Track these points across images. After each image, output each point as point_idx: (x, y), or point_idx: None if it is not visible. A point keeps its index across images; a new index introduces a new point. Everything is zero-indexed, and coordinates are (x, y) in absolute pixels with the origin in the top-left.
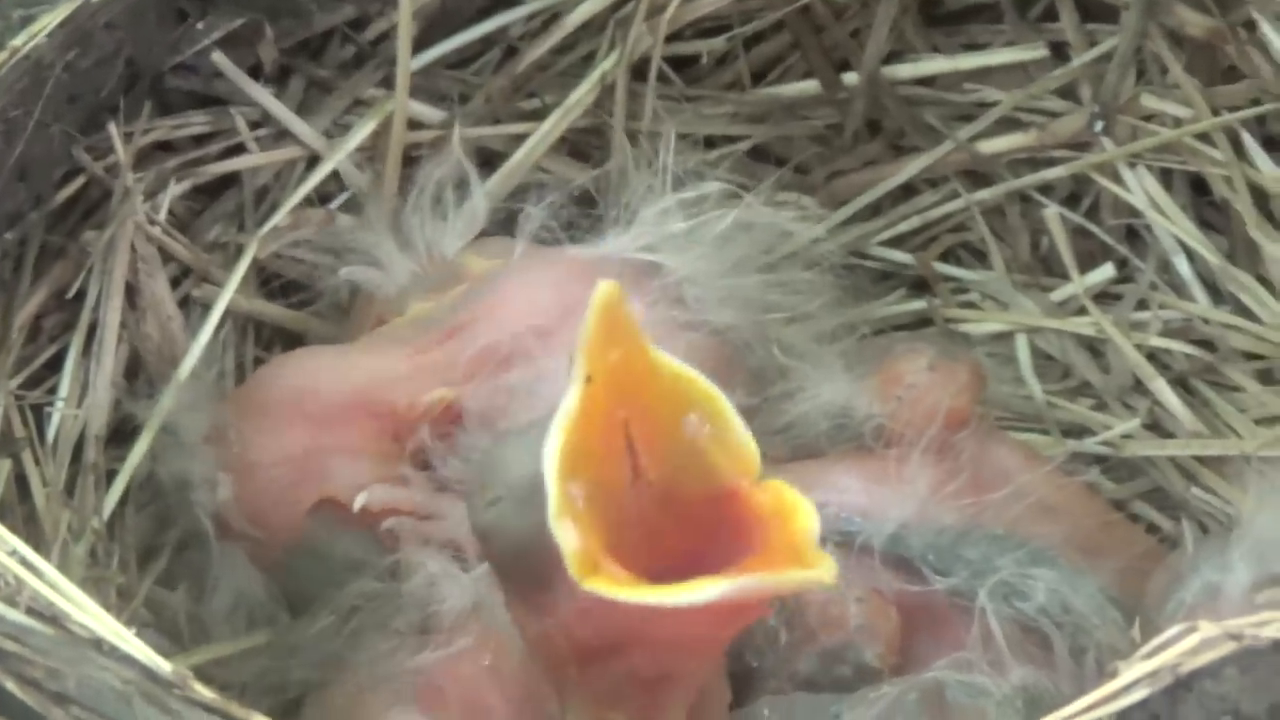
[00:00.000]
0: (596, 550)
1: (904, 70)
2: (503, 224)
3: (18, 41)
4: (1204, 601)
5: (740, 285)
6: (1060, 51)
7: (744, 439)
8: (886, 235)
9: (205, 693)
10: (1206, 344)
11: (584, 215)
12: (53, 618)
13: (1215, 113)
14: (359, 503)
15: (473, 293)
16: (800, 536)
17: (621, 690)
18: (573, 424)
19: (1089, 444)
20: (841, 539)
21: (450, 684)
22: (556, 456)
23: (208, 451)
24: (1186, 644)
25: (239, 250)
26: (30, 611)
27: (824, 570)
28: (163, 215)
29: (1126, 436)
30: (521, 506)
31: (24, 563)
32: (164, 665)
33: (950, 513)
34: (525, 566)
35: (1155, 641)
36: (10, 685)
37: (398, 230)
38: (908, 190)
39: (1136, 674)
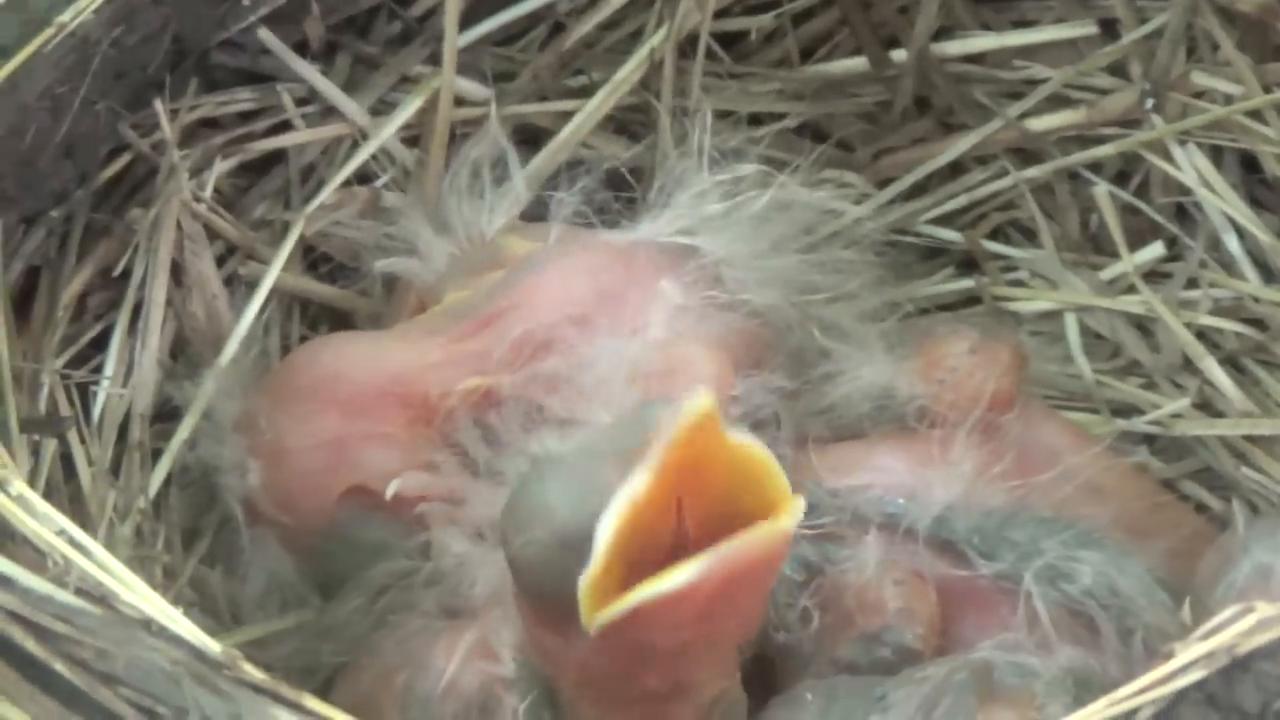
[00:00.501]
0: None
1: (953, 47)
2: (546, 202)
3: (65, 18)
4: (1255, 583)
5: (779, 266)
6: (1110, 28)
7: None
8: (934, 213)
9: (255, 673)
10: (1257, 323)
11: (618, 199)
12: (101, 598)
13: (1267, 90)
14: (391, 490)
15: (508, 280)
16: (771, 493)
17: (634, 705)
18: (635, 509)
19: (1138, 423)
20: (885, 521)
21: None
22: (611, 538)
23: (238, 437)
24: (1243, 624)
25: (285, 228)
26: (79, 592)
27: (787, 517)
28: (208, 193)
29: (1176, 416)
30: (561, 553)
31: (72, 542)
32: (213, 646)
33: (996, 494)
34: (553, 602)
35: (1211, 622)
36: (59, 666)
37: (436, 214)
38: (956, 168)
39: (1192, 655)
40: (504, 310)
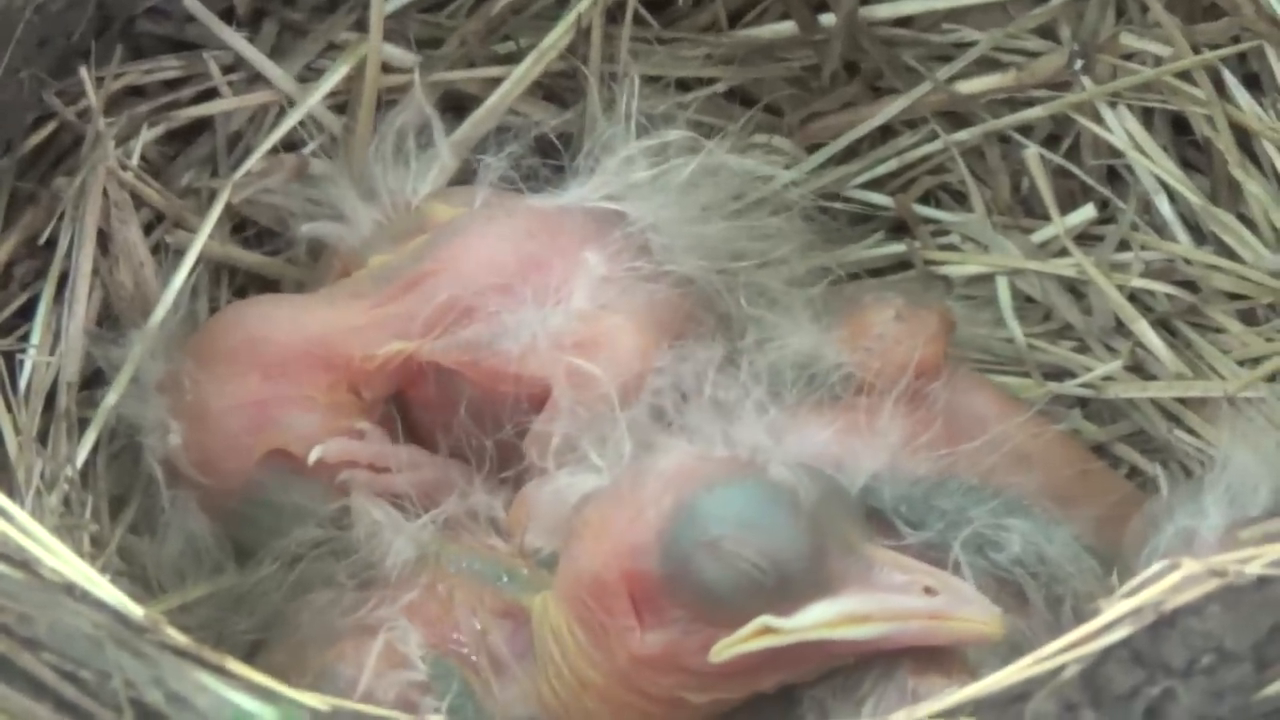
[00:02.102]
0: None
1: (881, 10)
2: (474, 168)
3: None
4: (1179, 547)
5: (706, 232)
6: None
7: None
8: (865, 178)
9: (178, 637)
10: (1189, 285)
11: (545, 165)
12: (23, 563)
13: (1196, 51)
14: (315, 455)
15: (431, 244)
16: None
17: (654, 704)
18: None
19: (1070, 386)
20: None
21: (417, 616)
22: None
23: (161, 397)
24: (1169, 581)
25: (212, 195)
26: (1, 558)
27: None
28: (135, 160)
29: (1108, 378)
30: (769, 588)
31: None
32: (136, 610)
33: (923, 463)
34: (704, 613)
35: (1137, 579)
36: None
37: (362, 180)
38: (886, 132)
39: (1119, 611)
40: (427, 275)
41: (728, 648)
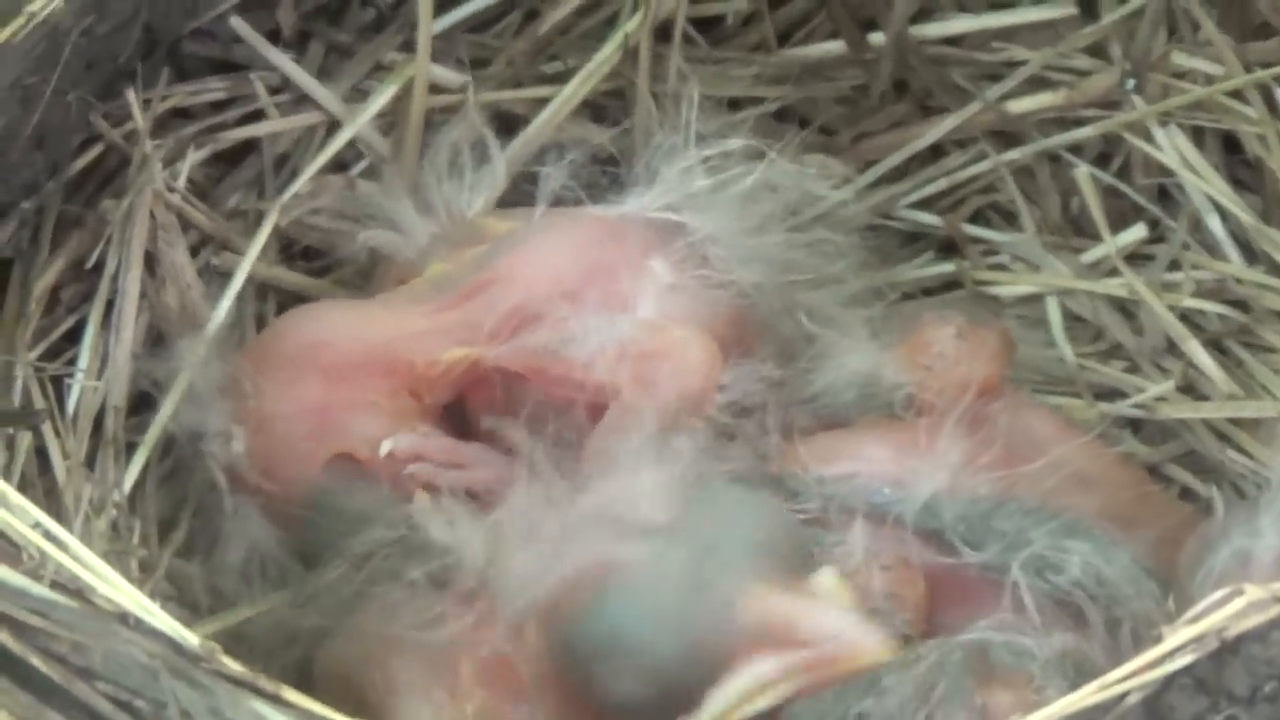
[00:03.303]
0: None
1: (931, 29)
2: (524, 190)
3: (35, 7)
4: (1234, 568)
5: (765, 244)
6: (1089, 8)
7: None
8: (914, 197)
9: (233, 666)
10: (1240, 304)
11: (605, 174)
12: (77, 591)
13: (1248, 69)
14: (385, 448)
15: (493, 252)
16: None
17: None
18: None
19: (1122, 407)
20: (871, 510)
21: (471, 649)
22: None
23: (222, 404)
24: (1232, 607)
25: (259, 218)
26: (54, 585)
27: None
28: (182, 183)
29: (1160, 399)
30: (658, 692)
31: (48, 536)
32: (191, 638)
33: (983, 484)
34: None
35: (1200, 605)
36: (35, 660)
37: (416, 194)
38: (936, 151)
39: (1182, 638)
40: (491, 282)
41: None
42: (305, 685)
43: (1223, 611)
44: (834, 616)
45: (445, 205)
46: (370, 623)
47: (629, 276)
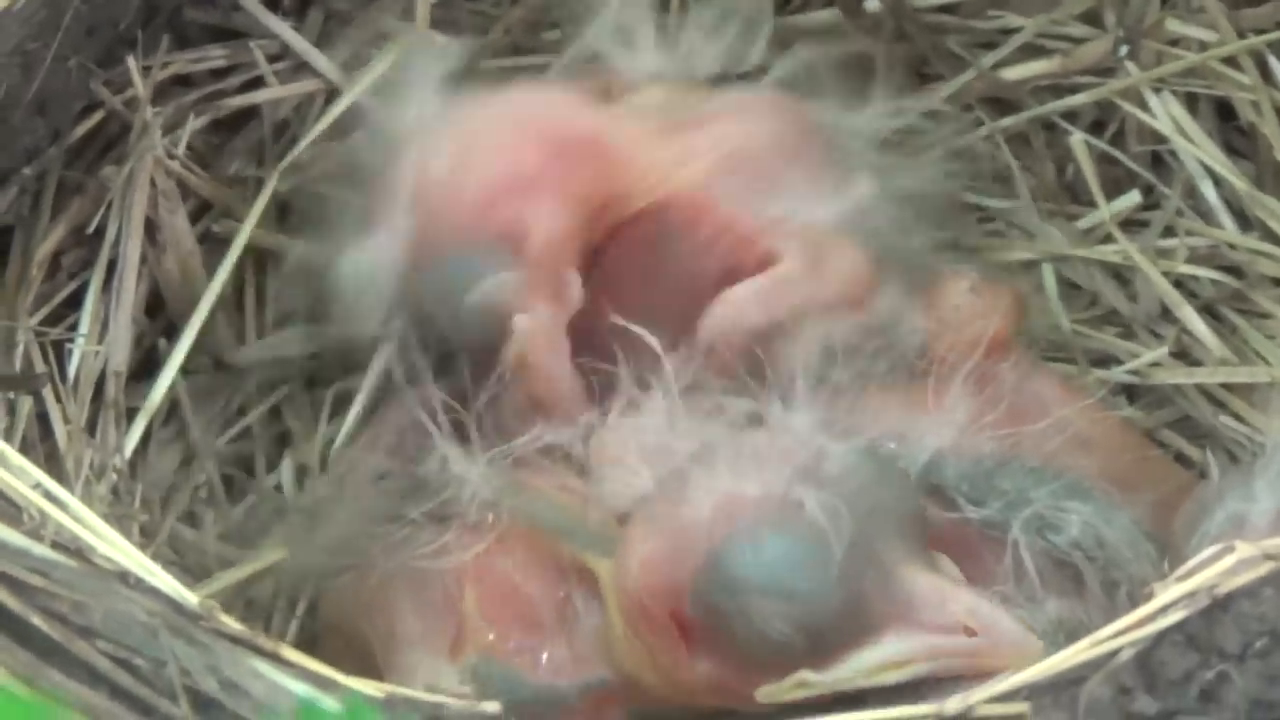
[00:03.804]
0: None
1: None
2: None
3: None
4: (1229, 531)
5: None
6: None
7: None
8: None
9: (232, 624)
10: (1234, 270)
11: None
12: (77, 551)
13: (1241, 36)
14: (519, 323)
15: (722, 99)
16: None
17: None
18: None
19: (1116, 373)
20: None
21: (481, 580)
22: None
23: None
24: (1223, 565)
25: (259, 184)
26: (55, 545)
27: None
28: (182, 149)
29: (1154, 364)
30: (797, 637)
31: (48, 496)
32: (190, 597)
33: (987, 443)
34: (747, 658)
35: (1192, 562)
36: (36, 619)
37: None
38: (931, 118)
39: (1173, 595)
40: (718, 119)
41: (770, 695)
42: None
43: (1214, 568)
44: (987, 609)
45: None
46: (372, 568)
47: (834, 179)
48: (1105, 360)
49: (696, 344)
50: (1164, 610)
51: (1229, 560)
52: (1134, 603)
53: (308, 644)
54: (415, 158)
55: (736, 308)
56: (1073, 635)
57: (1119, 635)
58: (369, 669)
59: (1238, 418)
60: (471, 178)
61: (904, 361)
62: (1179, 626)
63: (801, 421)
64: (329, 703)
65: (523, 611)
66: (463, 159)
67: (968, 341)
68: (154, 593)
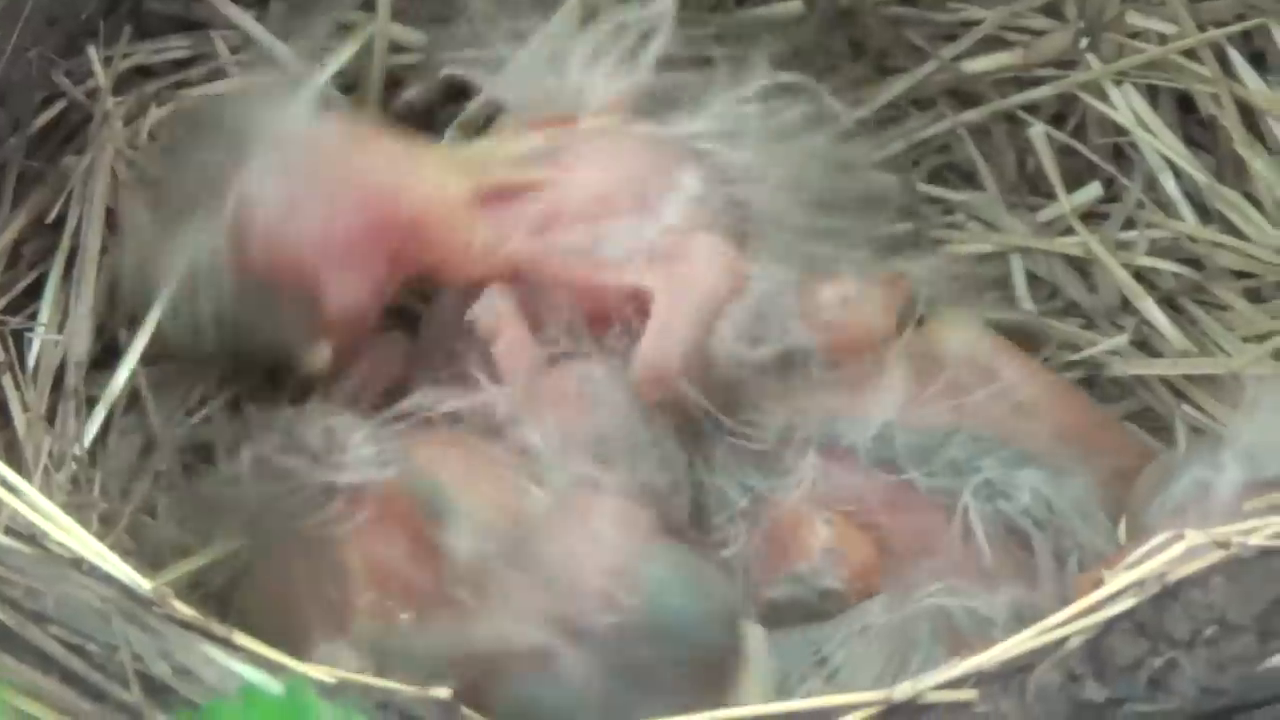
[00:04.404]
0: None
1: None
2: None
3: None
4: (1194, 499)
5: (781, 171)
6: None
7: None
8: (873, 158)
9: (185, 610)
10: (1194, 262)
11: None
12: (31, 537)
13: (1201, 29)
14: (482, 311)
15: (534, 156)
16: None
17: None
18: None
19: (1075, 357)
20: (825, 442)
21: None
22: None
23: None
24: (1173, 552)
25: None
26: (9, 531)
27: None
28: (143, 140)
29: (1113, 353)
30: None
31: (3, 483)
32: (143, 583)
33: (933, 414)
34: None
35: (1141, 550)
36: None
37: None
38: (892, 110)
39: (1123, 582)
40: (536, 185)
41: None
42: None
43: (1163, 556)
44: None
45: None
46: (273, 567)
47: (658, 188)
48: (1066, 351)
49: (637, 384)
50: (1113, 598)
51: (1179, 548)
52: (1084, 570)
53: None
54: (250, 178)
55: (656, 356)
56: (1019, 619)
57: (1068, 622)
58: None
59: (1198, 408)
60: (289, 228)
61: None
62: (1128, 614)
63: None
64: (273, 686)
65: (406, 579)
66: (284, 205)
67: (856, 341)
68: (107, 579)
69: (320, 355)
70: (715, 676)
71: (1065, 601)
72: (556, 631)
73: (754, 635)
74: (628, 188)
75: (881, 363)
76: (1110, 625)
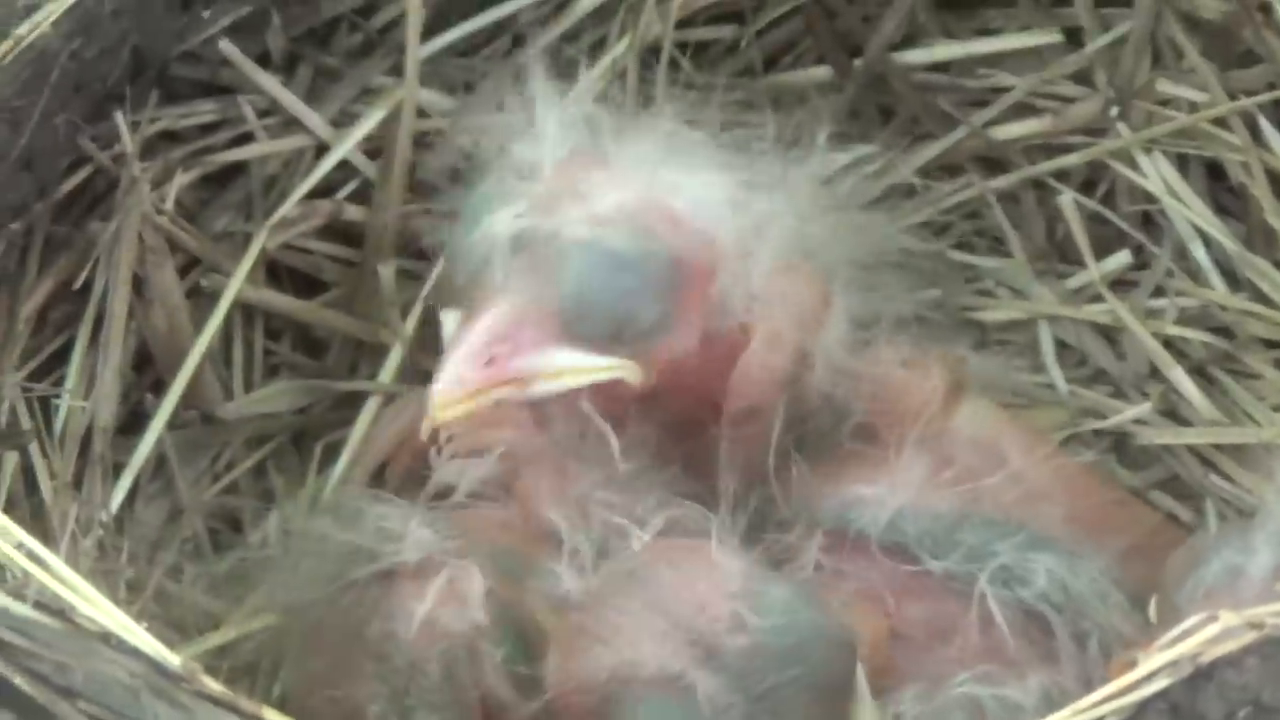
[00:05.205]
0: None
1: (917, 55)
2: None
3: (22, 30)
4: (1225, 583)
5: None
6: (1075, 36)
7: None
8: (901, 224)
9: (214, 686)
10: (1224, 331)
11: None
12: (60, 611)
13: (1232, 97)
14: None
15: None
16: None
17: None
18: None
19: (1101, 424)
20: (836, 524)
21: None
22: None
23: None
24: (1207, 633)
25: (247, 240)
26: (37, 605)
27: None
28: (170, 205)
29: (1141, 423)
30: None
31: (31, 556)
32: (172, 658)
33: (946, 499)
34: None
35: (1175, 631)
36: (18, 680)
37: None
38: (922, 177)
39: (1156, 664)
40: None
41: None
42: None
43: (1197, 637)
44: None
45: None
46: (345, 607)
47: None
48: (1094, 420)
49: (733, 414)
50: (1147, 679)
51: (1213, 629)
52: (1105, 653)
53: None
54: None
55: (760, 361)
56: (1047, 701)
57: (1102, 703)
58: None
59: (1227, 478)
60: None
61: (850, 428)
62: (1162, 695)
63: (737, 561)
64: None
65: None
66: None
67: (906, 414)
68: (135, 653)
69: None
70: (838, 701)
71: (1088, 684)
72: (687, 655)
73: (860, 664)
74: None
75: (902, 444)
76: (1145, 706)
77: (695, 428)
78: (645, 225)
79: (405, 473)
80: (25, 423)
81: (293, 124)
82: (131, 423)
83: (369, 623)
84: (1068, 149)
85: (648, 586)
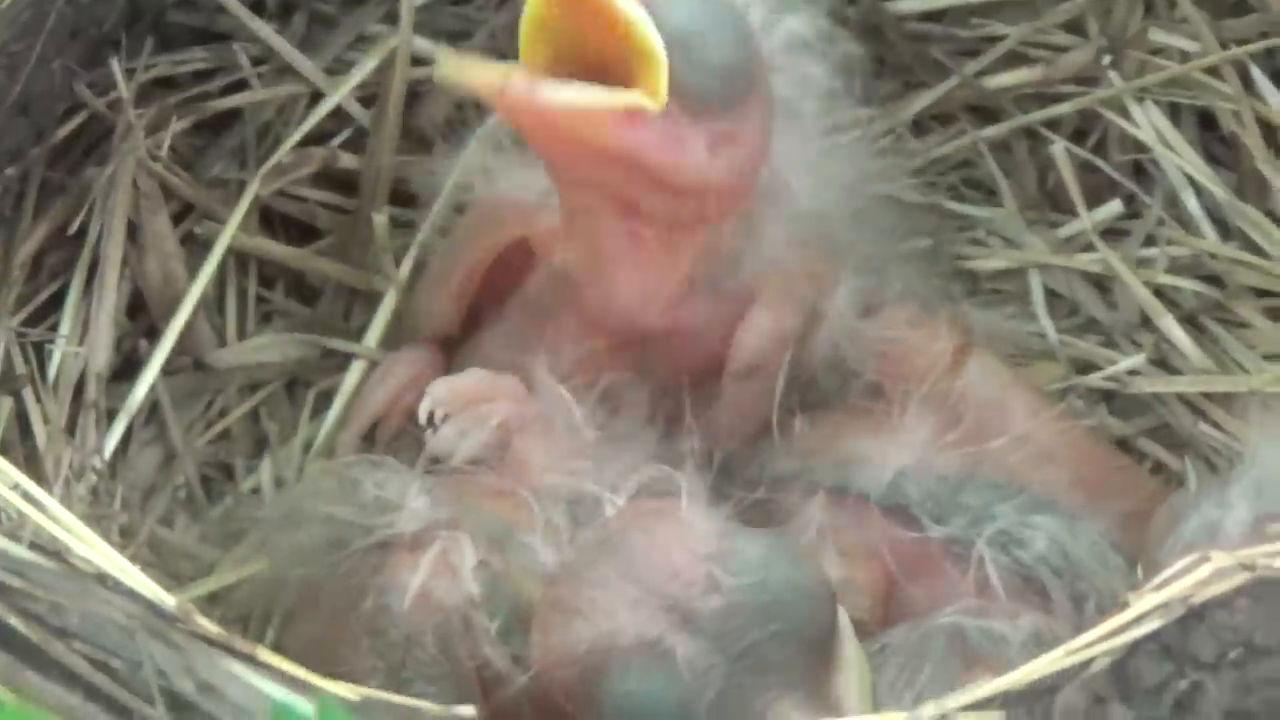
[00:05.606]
0: None
1: (911, 5)
2: None
3: None
4: (1203, 538)
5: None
6: None
7: None
8: (895, 174)
9: (209, 626)
10: (1215, 280)
11: None
12: (55, 552)
13: (1224, 46)
14: (424, 407)
15: None
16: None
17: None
18: None
19: (1093, 379)
20: (836, 484)
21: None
22: None
23: None
24: (1199, 574)
25: (241, 187)
26: (33, 546)
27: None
28: (164, 151)
29: (1133, 372)
30: None
31: (27, 497)
32: (168, 599)
33: (950, 460)
34: None
35: (1167, 572)
36: (13, 620)
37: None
38: (914, 127)
39: (1148, 605)
40: None
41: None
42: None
43: (1189, 578)
44: None
45: None
46: (338, 582)
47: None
48: (1086, 368)
49: (735, 370)
50: (1139, 620)
51: (1205, 570)
52: (1103, 615)
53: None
54: None
55: (765, 325)
56: (1043, 646)
57: (1093, 644)
58: None
59: (1217, 426)
60: None
61: (858, 384)
62: (1154, 636)
63: (710, 521)
64: (303, 705)
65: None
66: None
67: (914, 373)
68: (131, 594)
69: None
70: (821, 653)
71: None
72: (664, 620)
73: (843, 612)
74: None
75: (907, 403)
76: (1136, 647)
77: (691, 388)
78: None
79: (395, 433)
80: (20, 368)
81: (287, 71)
82: (125, 369)
83: (364, 594)
84: (1059, 98)
85: (620, 554)
